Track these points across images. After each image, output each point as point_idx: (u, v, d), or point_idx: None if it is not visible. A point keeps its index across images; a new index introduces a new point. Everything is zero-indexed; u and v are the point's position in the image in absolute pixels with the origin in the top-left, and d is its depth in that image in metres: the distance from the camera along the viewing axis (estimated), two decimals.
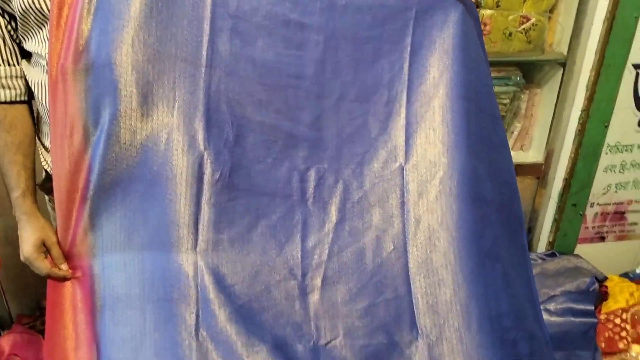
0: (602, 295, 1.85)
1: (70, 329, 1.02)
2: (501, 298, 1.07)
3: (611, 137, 1.93)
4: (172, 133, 1.00)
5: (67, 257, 1.05)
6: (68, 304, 1.04)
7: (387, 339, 1.03)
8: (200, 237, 1.01)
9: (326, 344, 1.02)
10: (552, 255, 2.06)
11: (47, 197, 1.26)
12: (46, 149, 1.17)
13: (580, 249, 2.11)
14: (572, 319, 1.71)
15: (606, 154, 1.95)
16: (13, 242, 1.15)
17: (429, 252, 1.06)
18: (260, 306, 1.02)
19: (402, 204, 1.08)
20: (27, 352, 1.62)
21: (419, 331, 1.04)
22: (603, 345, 1.65)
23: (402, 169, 1.09)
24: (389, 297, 1.05)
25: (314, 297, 1.04)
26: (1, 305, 1.90)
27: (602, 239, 2.12)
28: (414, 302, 1.05)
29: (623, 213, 2.09)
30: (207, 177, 1.01)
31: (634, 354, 1.59)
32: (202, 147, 1.01)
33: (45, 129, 1.15)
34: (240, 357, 0.98)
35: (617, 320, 1.69)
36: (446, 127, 1.08)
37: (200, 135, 1.01)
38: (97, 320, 1.01)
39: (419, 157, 1.08)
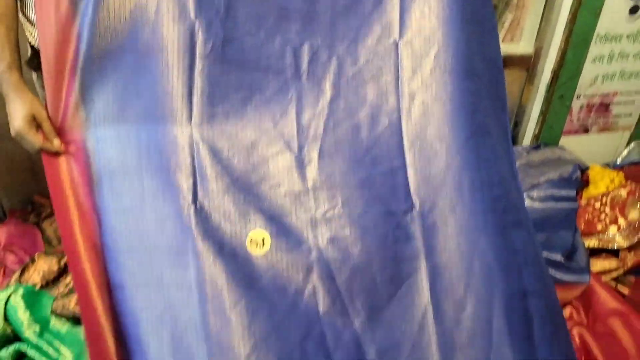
0: (583, 183, 1.90)
1: (72, 203, 1.03)
2: (492, 169, 1.09)
3: (601, 27, 1.91)
4: (161, 1, 0.97)
5: (59, 132, 1.04)
6: (65, 178, 1.04)
7: (384, 209, 1.06)
8: (194, 110, 1.00)
9: (325, 213, 1.04)
10: (537, 147, 2.09)
11: (34, 75, 1.22)
12: (31, 22, 1.12)
13: (564, 140, 2.14)
14: (554, 204, 1.77)
15: (595, 43, 1.94)
16: (1, 138, 1.12)
17: (423, 127, 1.07)
18: (257, 177, 1.03)
19: (397, 79, 1.08)
20: (23, 241, 1.64)
21: (413, 201, 1.07)
22: (583, 227, 1.71)
23: (397, 45, 1.07)
24: (384, 169, 1.07)
25: (312, 169, 1.05)
26: None
27: (586, 131, 2.16)
28: (408, 174, 1.07)
29: (608, 105, 2.11)
30: (199, 48, 0.99)
31: (610, 235, 1.66)
32: (192, 16, 0.98)
33: (29, 0, 1.09)
34: (238, 226, 1.01)
35: (597, 205, 1.74)
36: (441, 1, 1.05)
37: (190, 4, 0.97)
38: (96, 192, 1.02)
39: (414, 32, 1.07)
